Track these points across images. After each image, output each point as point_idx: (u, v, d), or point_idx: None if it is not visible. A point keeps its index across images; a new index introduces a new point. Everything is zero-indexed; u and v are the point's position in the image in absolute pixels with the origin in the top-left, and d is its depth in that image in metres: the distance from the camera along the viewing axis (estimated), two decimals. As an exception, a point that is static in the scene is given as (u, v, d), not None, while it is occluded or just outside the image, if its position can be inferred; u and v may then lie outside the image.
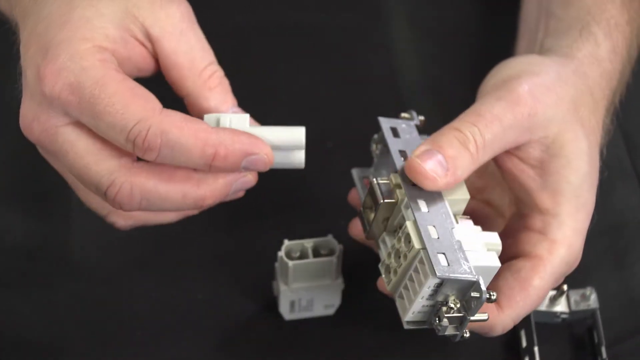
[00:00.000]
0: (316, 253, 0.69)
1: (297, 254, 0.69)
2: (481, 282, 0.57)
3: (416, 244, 0.58)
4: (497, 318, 0.62)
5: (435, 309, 0.59)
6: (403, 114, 0.65)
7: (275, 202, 0.77)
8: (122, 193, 0.59)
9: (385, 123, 0.64)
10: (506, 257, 0.63)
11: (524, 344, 0.70)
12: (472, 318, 0.58)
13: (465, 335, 0.59)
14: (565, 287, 0.69)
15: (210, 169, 0.59)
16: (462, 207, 0.62)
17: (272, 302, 0.73)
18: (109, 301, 0.72)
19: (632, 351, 0.72)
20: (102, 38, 0.59)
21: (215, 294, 0.73)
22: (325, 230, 0.70)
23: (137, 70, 0.62)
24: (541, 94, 0.63)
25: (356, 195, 0.67)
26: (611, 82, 0.69)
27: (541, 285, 0.62)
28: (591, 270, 0.75)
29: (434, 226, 0.58)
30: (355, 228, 0.66)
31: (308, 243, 0.69)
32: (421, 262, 0.58)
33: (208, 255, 0.75)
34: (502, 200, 0.67)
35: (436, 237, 0.58)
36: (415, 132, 0.64)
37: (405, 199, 0.60)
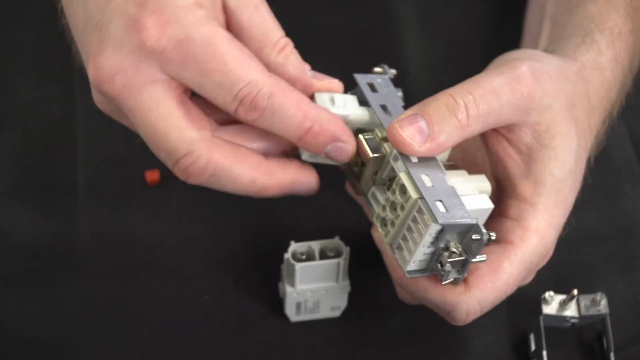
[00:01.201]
0: (323, 255, 0.69)
1: (304, 256, 0.69)
2: (479, 224, 0.58)
3: (413, 194, 0.58)
4: (462, 297, 0.61)
5: (436, 255, 0.59)
6: (376, 69, 0.66)
7: (282, 202, 0.76)
8: (196, 165, 0.58)
9: (362, 79, 0.64)
10: None
11: (533, 347, 0.70)
12: (473, 260, 0.59)
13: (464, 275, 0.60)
14: (575, 291, 0.69)
15: (298, 141, 0.60)
16: (447, 154, 0.63)
17: (278, 303, 0.72)
18: (115, 300, 0.72)
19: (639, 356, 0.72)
20: None
21: (221, 295, 0.73)
22: (332, 232, 0.69)
23: None
24: (542, 79, 0.62)
25: None
26: (610, 93, 0.68)
27: (510, 270, 0.61)
28: (600, 274, 0.75)
29: (426, 175, 0.59)
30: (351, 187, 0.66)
31: (315, 245, 0.69)
32: (419, 211, 0.58)
33: (215, 256, 0.75)
34: None
35: (430, 185, 0.59)
36: (391, 86, 0.65)
37: (394, 152, 0.60)
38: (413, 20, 0.87)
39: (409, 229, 0.59)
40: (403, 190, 0.59)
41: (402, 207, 0.59)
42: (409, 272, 0.60)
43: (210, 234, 0.75)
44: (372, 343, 0.72)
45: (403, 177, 0.59)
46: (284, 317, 0.72)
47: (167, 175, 0.76)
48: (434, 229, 0.58)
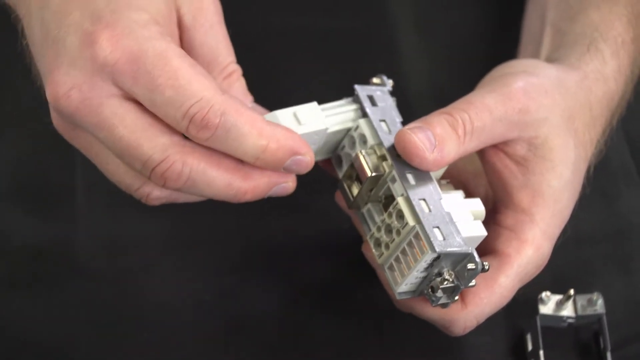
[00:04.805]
0: None
1: None
2: (474, 253, 0.58)
3: (410, 221, 0.59)
4: (459, 314, 0.62)
5: (428, 279, 0.60)
6: (374, 79, 0.65)
7: (281, 205, 0.77)
8: (172, 170, 0.57)
9: (362, 91, 0.64)
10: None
11: (530, 347, 0.70)
12: (464, 287, 0.59)
13: (456, 299, 0.60)
14: (572, 291, 0.69)
15: (256, 161, 0.58)
16: (442, 171, 0.63)
17: (276, 305, 0.73)
18: (114, 302, 0.72)
19: (636, 355, 0.72)
20: (155, 11, 0.58)
21: (221, 296, 0.73)
22: (331, 234, 0.70)
23: None
24: (536, 94, 0.63)
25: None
26: (612, 103, 0.69)
27: (506, 284, 0.62)
28: (596, 274, 0.75)
29: (424, 199, 0.59)
30: (341, 199, 0.66)
31: None
32: (416, 236, 0.58)
33: (214, 257, 0.75)
34: (477, 193, 0.68)
35: (428, 211, 0.59)
36: (389, 99, 0.65)
37: (393, 173, 0.60)
38: (410, 24, 0.87)
39: (404, 252, 0.60)
40: (400, 215, 0.59)
41: (399, 232, 0.60)
42: (399, 293, 0.61)
43: (210, 236, 0.75)
44: (370, 343, 0.72)
45: (401, 202, 0.59)
46: (282, 318, 0.72)
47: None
48: (430, 256, 0.58)
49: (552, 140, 0.63)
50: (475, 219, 0.61)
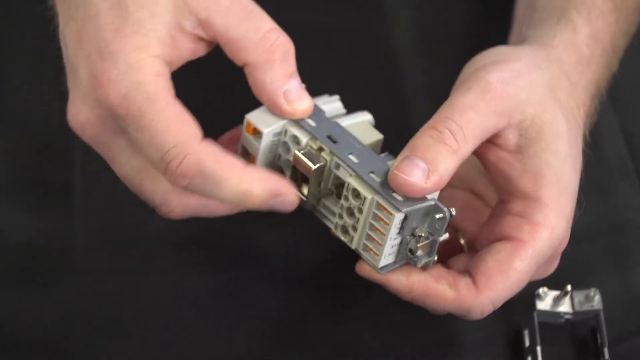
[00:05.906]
0: None
1: None
2: (439, 203, 0.59)
3: (367, 194, 0.59)
4: (475, 299, 0.62)
5: (404, 244, 0.61)
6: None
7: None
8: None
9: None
10: (488, 242, 0.64)
11: (527, 343, 0.70)
12: (440, 239, 0.60)
13: (434, 258, 0.61)
14: (569, 287, 0.69)
15: (239, 205, 0.61)
16: (379, 147, 0.64)
17: (272, 300, 0.73)
18: (111, 299, 0.72)
19: (633, 351, 0.72)
20: (154, 44, 0.60)
21: (217, 292, 0.73)
22: (326, 227, 0.70)
23: (186, 60, 0.63)
24: (512, 79, 0.63)
25: None
26: (590, 67, 0.69)
27: (522, 267, 0.62)
28: (593, 271, 0.75)
29: (372, 172, 0.60)
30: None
31: None
32: (378, 207, 0.59)
33: (211, 254, 0.75)
34: (488, 190, 0.68)
35: (380, 180, 0.60)
36: (328, 119, 0.64)
37: (334, 159, 0.61)
38: (408, 21, 0.87)
39: (372, 228, 0.60)
40: (356, 194, 0.60)
41: (360, 210, 0.60)
42: (382, 268, 0.62)
43: (206, 232, 0.75)
44: (366, 339, 0.72)
45: (352, 182, 0.60)
46: (279, 315, 0.72)
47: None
48: (398, 218, 0.59)
49: (539, 117, 0.63)
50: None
